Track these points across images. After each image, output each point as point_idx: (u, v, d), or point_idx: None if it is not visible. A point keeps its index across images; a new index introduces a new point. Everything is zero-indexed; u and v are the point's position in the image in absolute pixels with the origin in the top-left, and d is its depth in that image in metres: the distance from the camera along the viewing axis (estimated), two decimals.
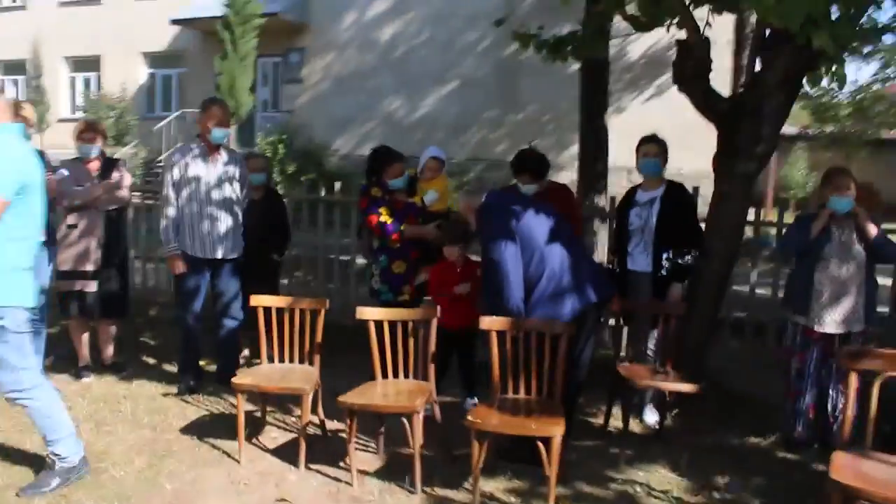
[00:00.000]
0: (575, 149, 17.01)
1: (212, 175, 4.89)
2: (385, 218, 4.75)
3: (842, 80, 3.97)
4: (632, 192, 4.88)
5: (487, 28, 17.09)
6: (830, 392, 4.34)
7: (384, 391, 3.83)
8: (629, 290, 4.69)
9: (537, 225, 3.84)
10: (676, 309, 4.39)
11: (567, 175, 16.45)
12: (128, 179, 5.25)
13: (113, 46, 20.03)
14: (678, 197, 4.63)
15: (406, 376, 4.00)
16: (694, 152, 14.66)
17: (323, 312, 4.18)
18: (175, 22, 18.21)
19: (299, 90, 18.04)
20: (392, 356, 3.99)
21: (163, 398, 4.92)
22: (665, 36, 4.93)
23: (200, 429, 4.38)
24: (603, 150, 7.40)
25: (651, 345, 4.70)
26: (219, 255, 4.93)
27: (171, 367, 5.55)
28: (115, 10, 20.04)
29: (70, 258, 5.06)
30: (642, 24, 4.44)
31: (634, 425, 4.62)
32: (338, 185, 6.78)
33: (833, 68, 4.00)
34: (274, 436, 4.35)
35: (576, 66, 16.92)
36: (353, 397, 3.70)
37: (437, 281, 4.67)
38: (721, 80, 6.11)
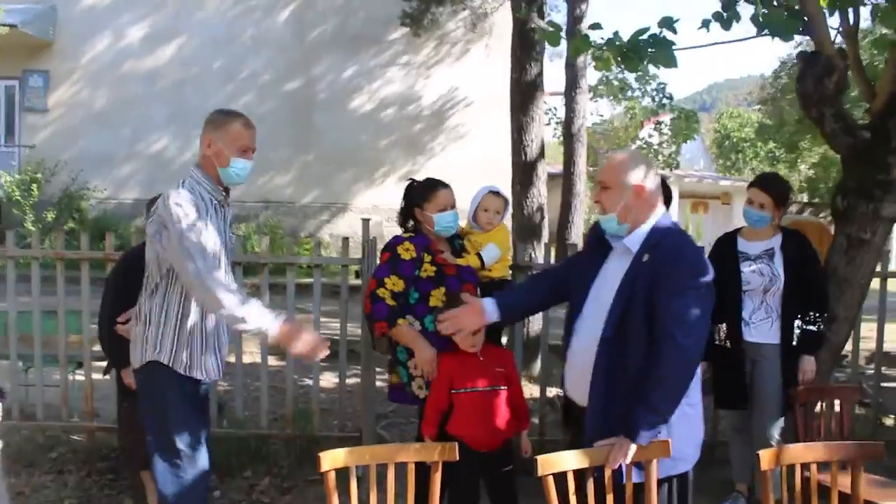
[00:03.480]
0: (380, 188, 16.24)
1: (225, 235, 2.94)
2: (388, 293, 3.19)
3: None
4: (728, 242, 3.84)
5: (274, 57, 15.49)
6: None
7: None
8: (745, 367, 3.69)
9: None
10: (852, 395, 3.42)
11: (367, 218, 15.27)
12: None
13: None
14: (802, 249, 3.68)
15: None
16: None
17: None
18: None
19: (42, 121, 14.82)
20: None
21: None
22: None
23: None
24: (536, 185, 6.35)
25: (776, 434, 3.67)
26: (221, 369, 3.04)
27: None
28: None
29: None
30: (774, 33, 3.46)
31: None
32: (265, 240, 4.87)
33: None
34: None
35: (373, 103, 15.82)
36: None
37: (455, 373, 3.13)
38: None
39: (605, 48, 3.89)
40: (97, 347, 5.28)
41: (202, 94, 14.80)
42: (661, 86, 17.64)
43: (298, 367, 4.62)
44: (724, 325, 3.73)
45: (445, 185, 3.40)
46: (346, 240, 4.56)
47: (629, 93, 18.16)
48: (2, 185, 12.64)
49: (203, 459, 2.91)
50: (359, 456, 2.40)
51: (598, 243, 2.68)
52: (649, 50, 3.81)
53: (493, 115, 14.17)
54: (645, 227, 2.54)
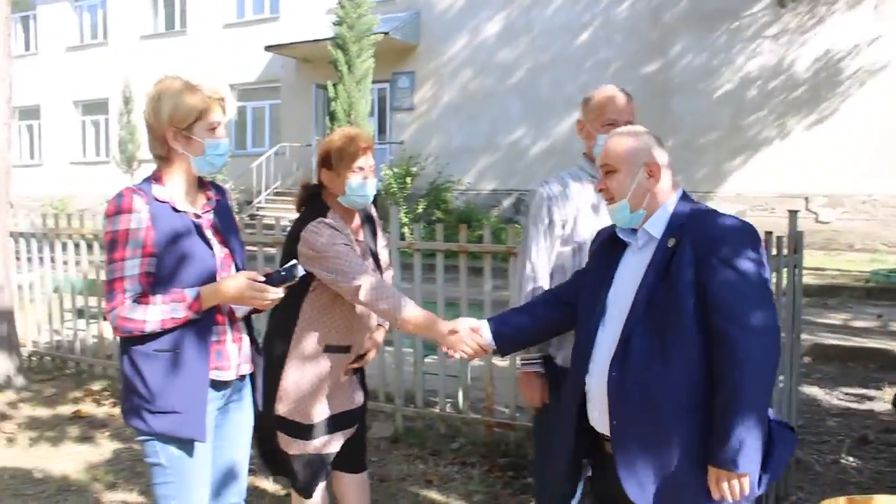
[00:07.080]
0: (742, 175, 14.70)
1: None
2: None
3: None
4: None
5: (625, 42, 14.94)
6: None
7: None
8: None
9: None
10: None
11: (727, 208, 13.90)
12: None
13: (199, 80, 18.39)
14: None
15: None
16: (886, 177, 12.29)
17: None
18: (269, 48, 16.46)
19: (409, 118, 16.06)
20: None
21: None
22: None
23: None
24: None
25: None
26: None
27: None
28: (201, 42, 18.52)
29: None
30: None
31: None
32: None
33: None
34: None
35: (735, 82, 14.27)
36: None
37: None
38: None
39: None
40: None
41: (555, 84, 14.87)
42: None
43: None
44: None
45: None
46: (768, 234, 3.96)
47: None
48: (381, 178, 13.88)
49: None
50: None
51: (608, 248, 2.28)
52: None
53: (886, 82, 12.34)
54: (666, 210, 2.17)
